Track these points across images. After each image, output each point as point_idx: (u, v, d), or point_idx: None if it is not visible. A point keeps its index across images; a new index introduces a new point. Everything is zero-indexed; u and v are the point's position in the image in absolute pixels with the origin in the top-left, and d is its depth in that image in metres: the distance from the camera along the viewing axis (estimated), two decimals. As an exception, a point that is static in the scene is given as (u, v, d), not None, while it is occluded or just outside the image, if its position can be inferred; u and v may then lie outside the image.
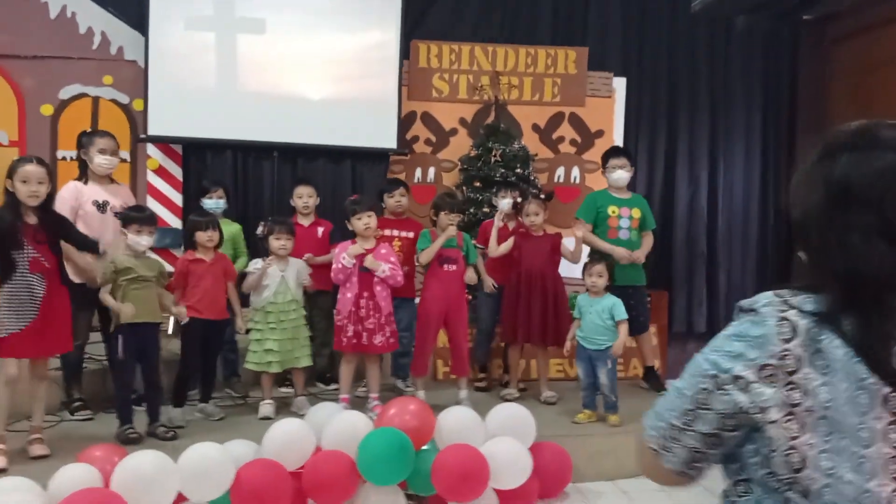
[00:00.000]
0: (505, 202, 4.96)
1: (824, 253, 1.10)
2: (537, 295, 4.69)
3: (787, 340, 1.07)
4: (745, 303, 1.15)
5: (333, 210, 5.33)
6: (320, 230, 4.91)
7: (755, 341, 1.08)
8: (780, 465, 1.06)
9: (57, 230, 3.74)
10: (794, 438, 1.04)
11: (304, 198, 4.88)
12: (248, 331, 4.50)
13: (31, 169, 3.57)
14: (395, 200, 4.90)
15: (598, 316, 4.29)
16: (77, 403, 4.29)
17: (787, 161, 6.93)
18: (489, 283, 4.80)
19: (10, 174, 3.57)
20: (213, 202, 4.77)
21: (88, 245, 3.93)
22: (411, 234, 4.80)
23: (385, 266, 4.20)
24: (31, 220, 3.62)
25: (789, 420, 1.05)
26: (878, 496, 1.03)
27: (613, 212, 4.89)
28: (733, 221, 6.82)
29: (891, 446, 1.04)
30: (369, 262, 4.17)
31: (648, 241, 4.98)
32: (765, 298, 1.12)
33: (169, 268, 4.46)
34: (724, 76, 6.76)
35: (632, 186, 6.02)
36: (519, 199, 4.94)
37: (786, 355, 1.06)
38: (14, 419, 3.88)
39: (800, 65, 6.83)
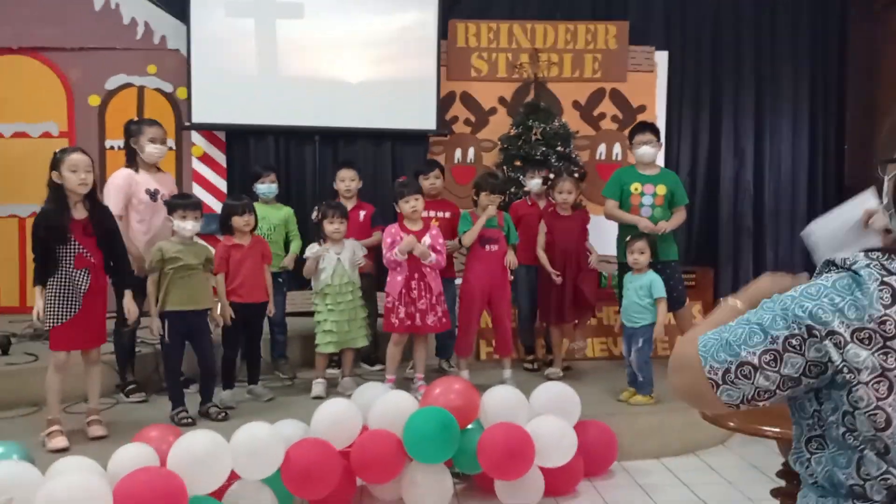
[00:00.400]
0: (534, 182, 5.00)
1: None
2: (572, 273, 4.74)
3: (888, 306, 1.05)
4: (837, 259, 1.12)
5: (374, 193, 5.35)
6: (362, 213, 4.92)
7: (856, 302, 1.07)
8: (864, 422, 1.06)
9: (107, 224, 3.77)
10: (881, 399, 1.04)
11: (347, 181, 4.91)
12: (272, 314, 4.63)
13: (79, 157, 3.60)
14: (430, 183, 4.89)
15: (636, 293, 4.25)
16: (131, 386, 4.41)
17: (837, 132, 6.73)
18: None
19: (56, 166, 3.57)
20: (266, 187, 4.84)
21: (122, 271, 3.85)
22: (448, 214, 4.83)
23: (433, 256, 4.27)
24: (80, 214, 3.65)
25: (879, 382, 1.05)
26: None
27: (636, 189, 4.82)
28: (781, 196, 6.65)
29: None
30: (419, 251, 4.22)
31: (678, 217, 4.88)
32: (862, 259, 1.09)
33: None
34: (770, 46, 6.57)
35: (673, 162, 5.90)
36: (551, 176, 4.93)
37: (885, 321, 1.05)
38: (72, 401, 4.02)
39: (850, 31, 6.61)
